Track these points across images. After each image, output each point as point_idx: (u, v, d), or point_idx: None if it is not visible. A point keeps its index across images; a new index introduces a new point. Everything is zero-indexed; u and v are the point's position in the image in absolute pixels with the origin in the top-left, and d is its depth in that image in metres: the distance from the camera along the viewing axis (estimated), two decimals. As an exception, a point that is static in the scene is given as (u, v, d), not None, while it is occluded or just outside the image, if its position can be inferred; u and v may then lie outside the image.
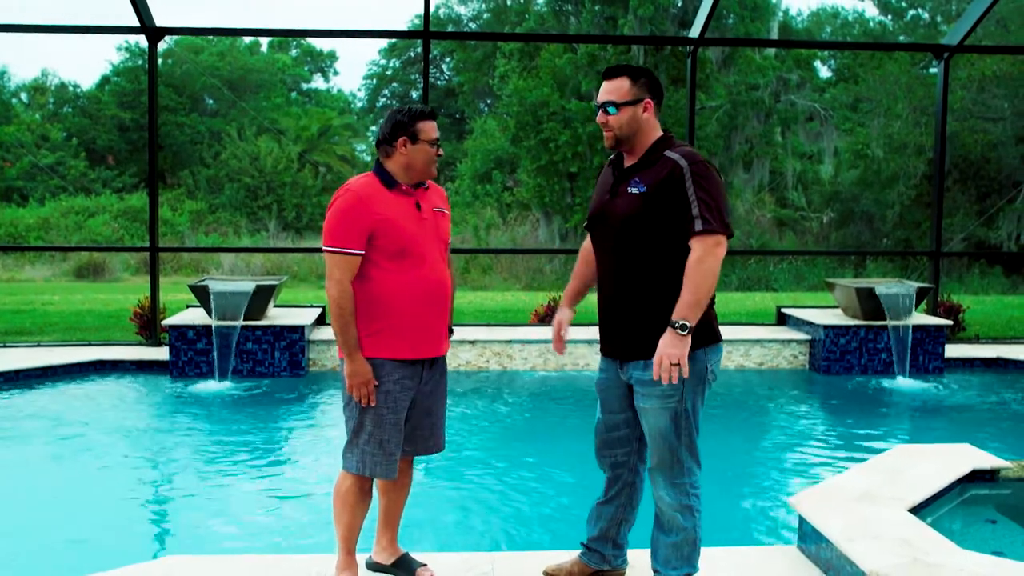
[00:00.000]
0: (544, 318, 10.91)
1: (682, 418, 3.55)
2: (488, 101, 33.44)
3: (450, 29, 35.02)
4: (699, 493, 3.64)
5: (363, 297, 3.69)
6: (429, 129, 3.74)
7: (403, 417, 3.75)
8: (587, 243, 3.91)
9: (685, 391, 3.53)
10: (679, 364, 3.36)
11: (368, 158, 35.09)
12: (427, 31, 10.50)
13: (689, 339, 3.38)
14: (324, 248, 3.65)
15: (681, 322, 3.36)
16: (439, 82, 38.29)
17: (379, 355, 3.68)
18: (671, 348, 3.36)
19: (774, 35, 25.49)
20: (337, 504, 3.80)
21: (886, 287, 9.68)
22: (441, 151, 3.82)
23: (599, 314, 3.74)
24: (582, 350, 9.54)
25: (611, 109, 3.58)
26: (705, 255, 3.38)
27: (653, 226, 3.48)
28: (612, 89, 3.59)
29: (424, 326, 3.74)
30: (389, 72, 41.17)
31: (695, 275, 3.38)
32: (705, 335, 3.55)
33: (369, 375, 3.64)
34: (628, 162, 3.65)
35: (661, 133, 3.64)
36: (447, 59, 37.76)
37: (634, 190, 3.53)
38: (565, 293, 4.00)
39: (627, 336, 3.59)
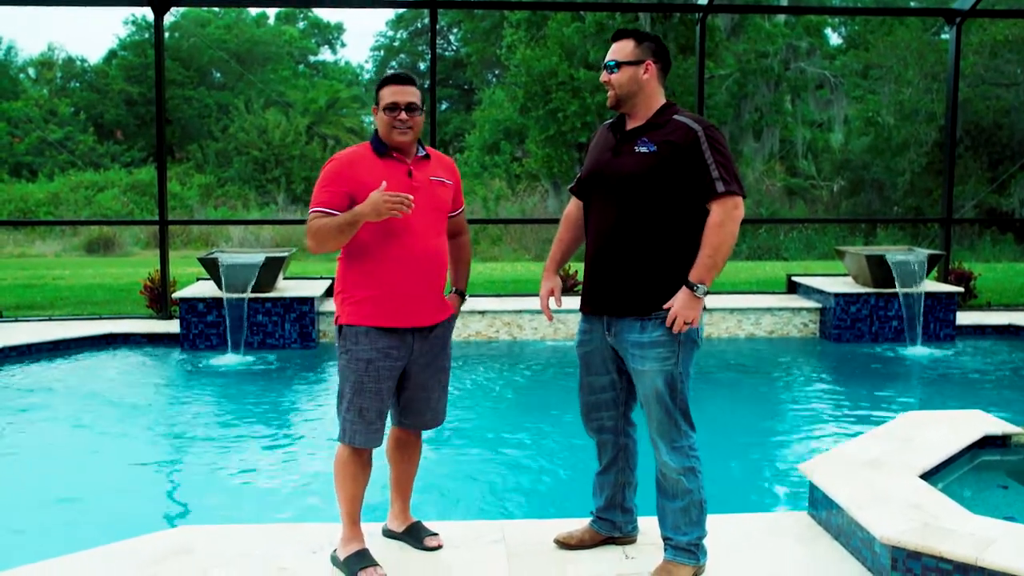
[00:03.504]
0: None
1: (678, 380, 3.58)
2: (496, 72, 33.27)
3: (457, -1, 34.78)
4: (698, 455, 3.67)
5: (352, 265, 3.69)
6: (387, 94, 3.70)
7: (387, 387, 3.69)
8: (571, 209, 3.96)
9: (681, 354, 3.57)
10: (691, 324, 3.50)
11: (377, 130, 35.03)
12: (434, 1, 10.42)
13: (703, 301, 3.49)
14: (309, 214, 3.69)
15: (699, 285, 3.45)
16: (447, 53, 38.11)
17: (362, 322, 3.65)
18: (687, 310, 3.47)
19: (784, 1, 25.15)
20: (337, 474, 3.78)
21: (897, 254, 9.63)
22: (402, 115, 3.67)
23: (589, 272, 3.75)
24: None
25: (613, 68, 3.64)
26: (725, 218, 3.45)
27: (662, 185, 3.51)
28: (617, 49, 3.66)
29: (409, 294, 3.67)
30: (396, 44, 41.02)
31: (714, 238, 3.45)
32: None
33: (375, 194, 3.50)
34: (632, 124, 3.67)
35: (665, 100, 3.67)
36: (454, 30, 37.56)
37: (643, 149, 3.55)
38: (550, 261, 3.99)
39: (624, 294, 3.60)
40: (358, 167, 3.66)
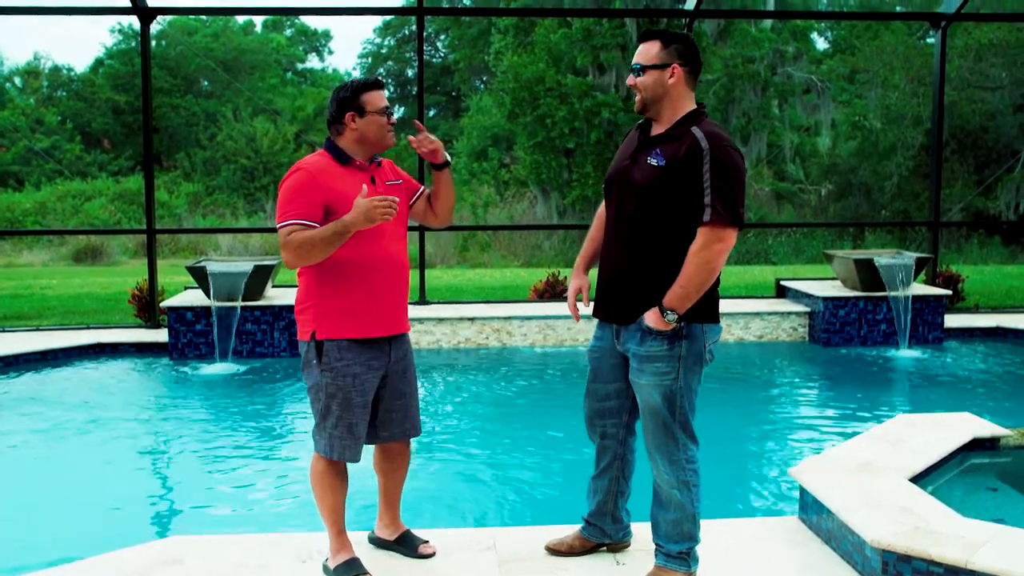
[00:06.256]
0: (543, 294, 10.88)
1: (677, 396, 3.53)
2: (484, 78, 33.26)
3: (444, 5, 34.80)
4: (696, 468, 3.63)
5: (324, 277, 3.59)
6: (375, 99, 3.66)
7: (371, 399, 3.68)
8: (603, 208, 3.83)
9: (681, 369, 3.51)
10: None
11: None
12: (421, 7, 10.41)
13: (672, 326, 3.44)
14: (278, 226, 3.51)
15: (670, 311, 3.42)
16: (434, 60, 38.09)
17: (345, 335, 3.60)
18: (656, 330, 3.48)
19: (770, 6, 25.32)
20: (316, 487, 3.75)
21: (885, 258, 9.66)
22: (394, 118, 3.72)
23: (601, 278, 3.70)
24: (581, 324, 9.52)
25: (638, 71, 3.53)
26: (704, 248, 3.37)
27: (667, 201, 3.44)
28: (642, 52, 3.54)
29: (387, 302, 3.67)
30: (384, 51, 40.96)
31: (689, 266, 3.39)
32: (705, 313, 3.53)
33: (363, 201, 3.41)
34: (655, 131, 3.57)
35: (694, 106, 3.55)
36: (442, 36, 37.54)
37: (653, 161, 3.47)
38: (580, 258, 3.89)
39: (630, 304, 3.57)
40: (327, 176, 3.56)
